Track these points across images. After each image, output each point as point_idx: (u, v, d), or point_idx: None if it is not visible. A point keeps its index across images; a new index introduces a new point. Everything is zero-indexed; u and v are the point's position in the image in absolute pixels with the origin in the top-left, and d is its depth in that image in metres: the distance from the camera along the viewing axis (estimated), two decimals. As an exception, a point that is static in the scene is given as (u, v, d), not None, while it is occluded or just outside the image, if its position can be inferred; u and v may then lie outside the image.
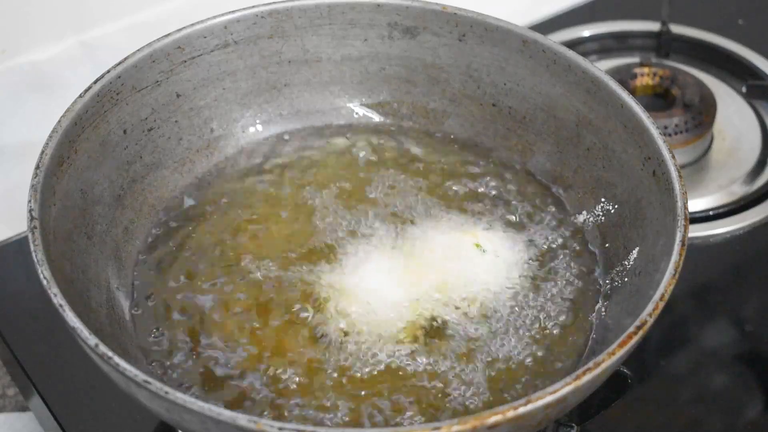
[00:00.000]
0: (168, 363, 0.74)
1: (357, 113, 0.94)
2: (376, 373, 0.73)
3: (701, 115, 1.05)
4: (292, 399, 0.71)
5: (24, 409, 0.95)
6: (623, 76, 1.09)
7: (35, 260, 0.66)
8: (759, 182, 1.04)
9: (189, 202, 0.87)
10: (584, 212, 0.85)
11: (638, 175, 0.79)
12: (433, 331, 0.76)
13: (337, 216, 0.85)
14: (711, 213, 1.01)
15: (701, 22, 1.22)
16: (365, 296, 0.77)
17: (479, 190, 0.87)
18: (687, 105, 1.05)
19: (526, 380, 0.73)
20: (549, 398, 0.60)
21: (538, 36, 0.86)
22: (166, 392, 0.60)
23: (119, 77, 0.81)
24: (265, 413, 0.70)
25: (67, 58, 1.06)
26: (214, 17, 0.87)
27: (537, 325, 0.77)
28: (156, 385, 0.60)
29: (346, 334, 0.75)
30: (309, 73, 0.93)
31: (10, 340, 0.88)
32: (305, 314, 0.77)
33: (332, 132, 0.93)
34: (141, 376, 0.61)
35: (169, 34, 0.85)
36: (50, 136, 0.74)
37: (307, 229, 0.83)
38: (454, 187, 0.88)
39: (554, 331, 0.77)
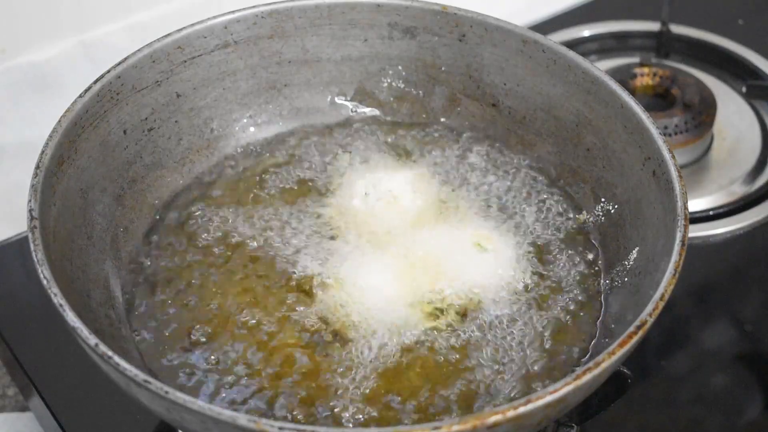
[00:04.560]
0: (168, 362, 0.74)
1: (357, 113, 0.94)
2: (376, 372, 0.73)
3: (701, 115, 1.05)
4: (288, 400, 0.72)
5: (24, 409, 0.95)
6: (623, 76, 1.09)
7: (35, 260, 0.67)
8: (759, 182, 1.04)
9: (189, 202, 0.86)
10: (584, 212, 0.85)
11: (638, 175, 0.79)
12: (430, 330, 0.75)
13: (336, 214, 0.85)
14: (711, 213, 1.01)
15: (701, 22, 1.22)
16: (365, 296, 0.77)
17: (479, 190, 0.87)
18: (687, 105, 1.05)
19: (526, 380, 0.73)
20: (549, 398, 0.60)
21: (538, 36, 0.86)
22: (166, 392, 0.60)
23: (119, 77, 0.81)
24: (262, 408, 0.71)
25: (67, 58, 1.06)
26: (214, 17, 0.87)
27: (536, 325, 0.77)
28: (156, 385, 0.60)
29: (344, 333, 0.75)
30: (309, 73, 0.93)
31: (10, 340, 0.88)
32: (305, 314, 0.77)
33: (332, 132, 0.93)
34: (141, 376, 0.61)
35: (169, 34, 0.85)
36: (50, 136, 0.75)
37: (306, 227, 0.83)
38: (454, 187, 0.88)
39: (554, 331, 0.77)
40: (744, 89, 1.14)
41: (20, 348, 0.88)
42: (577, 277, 0.81)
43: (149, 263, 0.81)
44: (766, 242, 0.99)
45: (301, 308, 0.77)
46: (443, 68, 0.92)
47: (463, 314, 0.77)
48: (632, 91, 1.06)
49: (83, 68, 1.04)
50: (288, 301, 0.78)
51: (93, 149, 0.79)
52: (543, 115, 0.88)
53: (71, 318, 0.64)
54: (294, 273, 0.80)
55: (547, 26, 1.21)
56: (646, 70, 1.10)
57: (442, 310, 0.77)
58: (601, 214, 0.84)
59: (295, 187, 0.88)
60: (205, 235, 0.83)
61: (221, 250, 0.82)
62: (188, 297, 0.78)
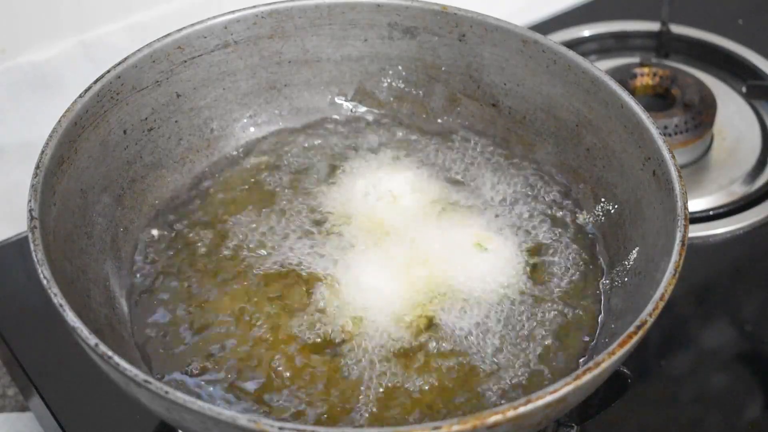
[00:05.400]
0: (169, 362, 0.74)
1: (357, 113, 0.94)
2: (378, 371, 0.73)
3: (701, 115, 1.05)
4: (287, 397, 0.72)
5: (24, 409, 0.95)
6: (623, 76, 1.09)
7: (35, 260, 0.67)
8: (759, 182, 1.04)
9: (189, 201, 0.86)
10: (584, 212, 0.85)
11: (638, 175, 0.79)
12: (431, 331, 0.75)
13: (336, 214, 0.85)
14: (711, 213, 1.01)
15: (701, 22, 1.22)
16: (366, 296, 0.77)
17: (479, 190, 0.87)
18: (687, 105, 1.05)
19: (525, 380, 0.73)
20: (549, 398, 0.60)
21: (538, 36, 0.86)
22: (166, 392, 0.60)
23: (119, 77, 0.81)
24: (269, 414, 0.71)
25: (67, 58, 1.06)
26: (214, 17, 0.87)
27: (537, 325, 0.77)
28: (156, 385, 0.60)
29: (345, 333, 0.75)
30: (309, 73, 0.93)
31: (10, 340, 0.88)
32: (304, 315, 0.77)
33: (332, 132, 0.93)
34: (141, 376, 0.61)
35: (169, 34, 0.85)
36: (50, 136, 0.74)
37: (306, 227, 0.83)
38: (454, 187, 0.88)
39: (554, 331, 0.77)
40: (744, 89, 1.14)
41: (20, 348, 0.88)
42: (577, 277, 0.81)
43: (149, 263, 0.81)
44: (766, 242, 0.99)
45: (301, 309, 0.77)
46: (443, 68, 0.92)
47: (463, 314, 0.77)
48: (632, 91, 1.06)
49: (83, 68, 1.04)
50: (288, 302, 0.78)
51: (93, 149, 0.79)
52: (543, 115, 0.88)
53: (71, 318, 0.64)
54: (293, 274, 0.80)
55: (547, 26, 1.21)
56: (646, 70, 1.10)
57: (441, 310, 0.77)
58: (601, 214, 0.84)
59: (295, 188, 0.87)
60: (205, 235, 0.83)
61: (220, 251, 0.82)
62: (188, 297, 0.78)
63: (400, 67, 0.93)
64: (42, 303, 0.68)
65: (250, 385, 0.72)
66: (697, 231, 0.98)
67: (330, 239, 0.82)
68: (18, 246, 0.97)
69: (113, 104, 0.81)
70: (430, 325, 0.76)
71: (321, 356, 0.74)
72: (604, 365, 0.62)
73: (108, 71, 0.81)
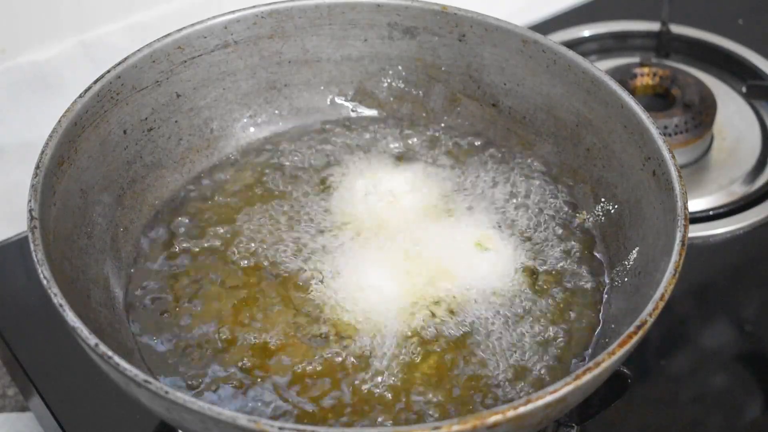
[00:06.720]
0: (168, 362, 0.74)
1: (357, 113, 0.94)
2: (378, 371, 0.73)
3: (701, 115, 1.05)
4: (289, 396, 0.72)
5: (24, 409, 0.95)
6: (623, 76, 1.09)
7: (35, 260, 0.67)
8: (759, 182, 1.04)
9: (189, 202, 0.87)
10: (584, 212, 0.85)
11: (638, 175, 0.79)
12: (431, 330, 0.75)
13: (337, 215, 0.85)
14: (711, 213, 1.01)
15: (701, 22, 1.22)
16: (366, 296, 0.77)
17: (479, 190, 0.87)
18: (687, 105, 1.05)
19: (525, 379, 0.73)
20: (549, 398, 0.60)
21: (538, 36, 0.86)
22: (166, 392, 0.60)
23: (119, 77, 0.81)
24: (265, 411, 0.71)
25: (67, 58, 1.06)
26: (214, 17, 0.87)
27: (537, 326, 0.77)
28: (156, 385, 0.60)
29: (345, 333, 0.75)
30: (309, 73, 0.93)
31: (10, 340, 0.88)
32: (305, 314, 0.77)
33: (332, 132, 0.93)
34: (141, 376, 0.61)
35: (169, 34, 0.85)
36: (50, 136, 0.75)
37: (306, 227, 0.83)
38: (455, 187, 0.88)
39: (554, 331, 0.77)
40: (744, 89, 1.14)
41: (20, 348, 0.88)
42: (577, 277, 0.81)
43: (149, 263, 0.81)
44: (766, 242, 0.99)
45: (302, 308, 0.77)
46: (443, 68, 0.92)
47: (464, 313, 0.77)
48: (632, 91, 1.06)
49: (83, 68, 1.04)
50: (289, 302, 0.78)
51: (93, 149, 0.79)
52: (543, 115, 0.88)
53: (71, 318, 0.64)
54: (294, 273, 0.80)
55: (547, 26, 1.21)
56: (646, 70, 1.10)
57: (442, 310, 0.77)
58: (601, 214, 0.84)
59: (295, 188, 0.88)
60: (205, 235, 0.83)
61: (221, 251, 0.82)
62: (188, 298, 0.78)
63: (400, 67, 0.93)
64: (42, 303, 0.68)
65: (251, 385, 0.72)
66: (697, 231, 0.98)
67: (330, 239, 0.82)
68: (18, 246, 0.97)
69: (113, 104, 0.81)
70: (431, 323, 0.76)
71: (322, 355, 0.74)
72: (604, 365, 0.62)
73: (108, 71, 0.81)
